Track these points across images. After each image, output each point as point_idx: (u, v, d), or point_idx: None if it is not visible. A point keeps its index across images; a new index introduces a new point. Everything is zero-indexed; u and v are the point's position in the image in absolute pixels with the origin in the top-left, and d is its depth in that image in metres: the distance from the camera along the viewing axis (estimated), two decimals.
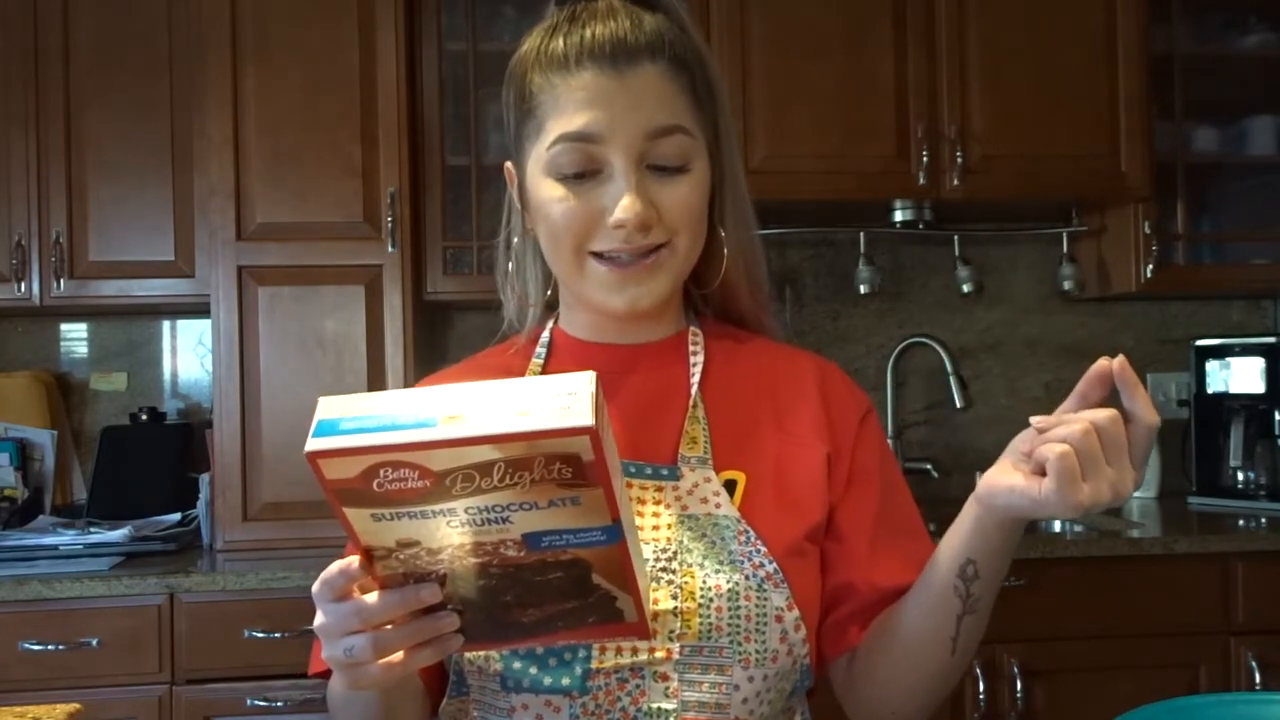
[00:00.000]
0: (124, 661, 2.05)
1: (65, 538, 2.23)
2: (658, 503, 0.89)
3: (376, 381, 2.33)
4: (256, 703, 2.05)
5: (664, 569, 0.85)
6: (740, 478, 0.92)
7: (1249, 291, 2.86)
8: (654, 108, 0.88)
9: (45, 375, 2.65)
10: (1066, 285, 2.76)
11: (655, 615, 0.83)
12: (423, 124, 2.47)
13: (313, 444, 0.62)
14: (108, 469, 2.52)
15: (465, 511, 0.63)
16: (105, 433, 2.57)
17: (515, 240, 0.99)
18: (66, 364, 2.73)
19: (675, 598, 0.84)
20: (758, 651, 0.84)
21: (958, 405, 2.63)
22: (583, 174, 0.88)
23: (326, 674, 0.88)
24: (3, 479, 2.47)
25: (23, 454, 2.50)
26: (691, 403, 0.94)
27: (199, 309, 2.49)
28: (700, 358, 0.97)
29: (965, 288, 2.76)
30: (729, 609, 0.84)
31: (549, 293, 0.99)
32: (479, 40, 2.51)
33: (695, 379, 0.96)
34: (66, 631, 2.04)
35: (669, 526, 0.87)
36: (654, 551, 0.86)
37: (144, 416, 2.60)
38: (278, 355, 2.31)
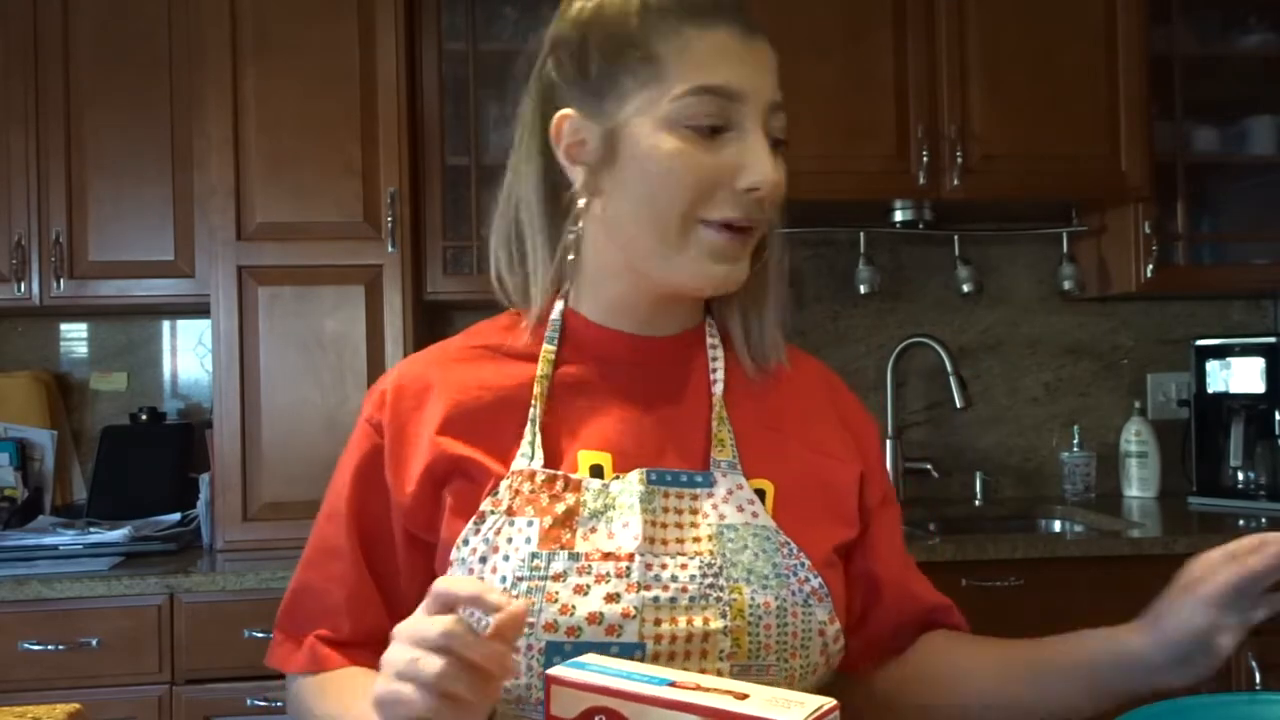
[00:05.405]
0: (124, 661, 2.05)
1: (65, 538, 2.23)
2: (694, 512, 0.85)
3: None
4: (256, 703, 2.05)
5: (710, 585, 0.81)
6: (769, 487, 0.88)
7: (1249, 291, 2.86)
8: (774, 81, 0.86)
9: (45, 375, 2.65)
10: (1066, 285, 2.76)
11: (706, 635, 0.80)
12: (423, 124, 2.47)
13: (555, 670, 0.65)
14: (108, 469, 2.51)
15: None
16: (105, 433, 2.57)
17: (523, 198, 0.91)
18: (66, 364, 2.73)
19: (724, 616, 0.80)
20: (802, 667, 0.83)
21: (958, 405, 2.63)
22: (714, 129, 0.83)
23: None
24: (3, 479, 2.47)
25: (22, 454, 2.50)
26: (716, 403, 0.91)
27: (199, 309, 2.48)
28: (720, 354, 0.93)
29: (965, 288, 2.76)
30: (778, 627, 0.82)
31: (555, 260, 0.90)
32: (479, 40, 2.52)
33: (719, 376, 0.92)
34: (66, 631, 2.04)
35: (709, 539, 0.84)
36: (700, 567, 0.82)
37: (144, 416, 2.60)
38: (278, 355, 2.31)
